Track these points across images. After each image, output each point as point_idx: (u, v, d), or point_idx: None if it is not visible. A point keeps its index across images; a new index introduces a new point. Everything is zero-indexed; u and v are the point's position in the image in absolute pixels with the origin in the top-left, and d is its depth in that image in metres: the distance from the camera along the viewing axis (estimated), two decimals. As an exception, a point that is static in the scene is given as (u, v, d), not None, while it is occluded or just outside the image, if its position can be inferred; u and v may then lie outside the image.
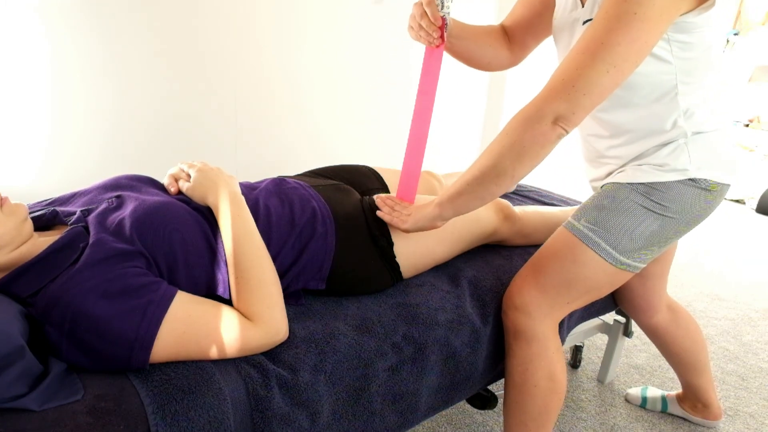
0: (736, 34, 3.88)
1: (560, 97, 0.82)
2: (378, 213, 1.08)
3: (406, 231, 1.05)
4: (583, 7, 0.97)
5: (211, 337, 0.80)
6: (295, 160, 2.06)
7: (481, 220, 1.19)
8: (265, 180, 1.13)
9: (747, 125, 3.83)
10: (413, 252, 1.10)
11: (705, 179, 0.96)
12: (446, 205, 0.99)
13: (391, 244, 1.07)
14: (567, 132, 0.85)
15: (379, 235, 1.06)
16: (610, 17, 0.78)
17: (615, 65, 0.79)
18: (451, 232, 1.14)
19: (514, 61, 1.23)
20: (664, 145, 0.96)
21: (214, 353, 0.80)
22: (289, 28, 1.89)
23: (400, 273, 1.09)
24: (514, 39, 1.19)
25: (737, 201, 3.38)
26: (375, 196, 1.13)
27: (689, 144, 0.95)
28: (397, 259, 1.08)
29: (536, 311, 1.02)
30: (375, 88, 2.23)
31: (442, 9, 0.96)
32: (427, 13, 1.00)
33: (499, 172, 0.90)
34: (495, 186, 0.92)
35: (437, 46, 1.06)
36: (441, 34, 1.01)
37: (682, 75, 0.91)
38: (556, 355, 1.05)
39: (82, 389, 0.71)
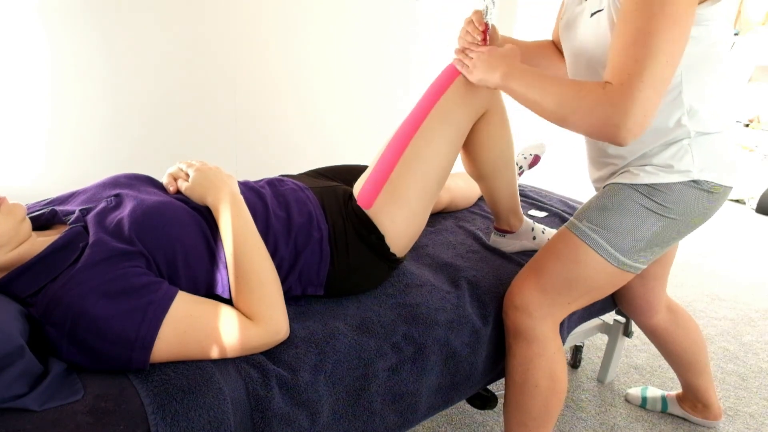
0: (736, 34, 3.88)
1: (636, 103, 0.78)
2: (454, 61, 1.09)
3: (473, 82, 1.05)
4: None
5: (212, 337, 0.80)
6: (296, 159, 2.06)
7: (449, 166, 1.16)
8: (263, 179, 1.13)
9: (747, 125, 3.83)
10: (404, 233, 1.08)
11: (707, 181, 0.96)
12: (513, 82, 0.96)
13: (381, 238, 1.05)
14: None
15: (367, 233, 1.05)
16: (644, 6, 0.78)
17: (669, 52, 0.78)
18: (428, 189, 1.10)
19: None
20: (668, 145, 0.96)
21: (214, 353, 0.80)
22: (291, 25, 1.89)
23: (396, 260, 1.09)
24: (561, 50, 1.21)
25: (737, 201, 3.38)
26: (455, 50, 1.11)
27: (693, 145, 0.95)
28: (392, 250, 1.07)
29: (537, 311, 1.02)
30: (378, 87, 2.22)
31: (486, 16, 1.12)
32: (473, 21, 1.12)
33: (560, 119, 0.89)
34: (548, 115, 0.91)
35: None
36: (483, 38, 1.12)
37: (687, 71, 0.91)
38: (557, 355, 1.05)
39: (82, 389, 0.71)
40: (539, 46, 1.25)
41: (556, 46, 1.25)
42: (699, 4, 0.83)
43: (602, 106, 0.82)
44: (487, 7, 1.12)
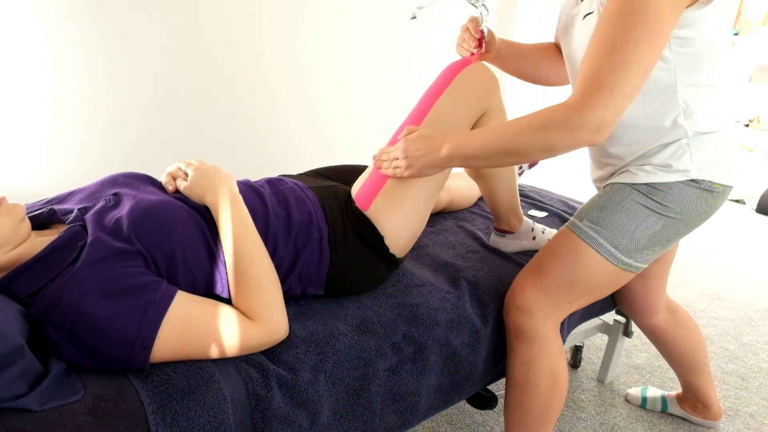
0: (736, 34, 3.88)
1: (601, 104, 0.80)
2: (381, 171, 1.06)
3: (411, 177, 1.03)
4: (582, 1, 0.97)
5: (212, 337, 0.80)
6: (296, 159, 2.06)
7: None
8: (263, 178, 1.13)
9: (747, 125, 3.83)
10: (403, 233, 1.09)
11: (707, 180, 0.96)
12: (457, 160, 0.98)
13: (380, 239, 1.05)
14: (606, 137, 0.84)
15: (367, 234, 1.05)
16: (626, 14, 0.78)
17: (643, 63, 0.79)
18: (426, 191, 1.11)
19: None
20: (666, 145, 0.96)
21: (214, 352, 0.80)
22: (291, 25, 1.89)
23: (396, 260, 1.09)
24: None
25: (737, 201, 3.38)
26: (373, 157, 1.09)
27: (691, 145, 0.95)
28: (391, 250, 1.07)
29: (538, 311, 1.02)
30: (378, 87, 2.22)
31: (481, 23, 1.16)
32: (469, 28, 1.16)
33: (523, 157, 0.91)
34: (512, 162, 0.94)
35: (472, 54, 1.18)
36: (477, 45, 1.17)
37: (681, 71, 0.91)
38: (558, 355, 1.05)
39: (82, 389, 0.71)
40: (540, 48, 1.25)
41: (558, 48, 1.25)
42: (688, 7, 0.83)
43: (563, 125, 0.84)
44: (481, 14, 1.14)
